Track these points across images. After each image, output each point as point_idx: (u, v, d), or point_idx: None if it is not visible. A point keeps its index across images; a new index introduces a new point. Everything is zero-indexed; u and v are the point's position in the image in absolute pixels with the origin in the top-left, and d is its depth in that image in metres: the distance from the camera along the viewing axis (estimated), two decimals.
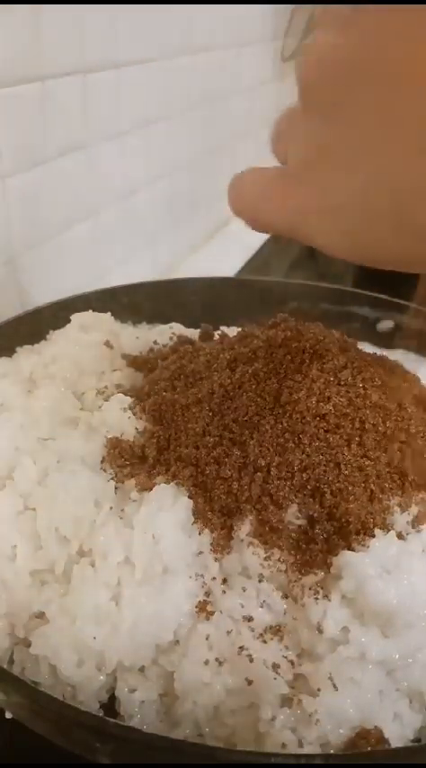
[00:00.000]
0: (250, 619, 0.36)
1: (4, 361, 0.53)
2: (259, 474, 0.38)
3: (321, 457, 0.39)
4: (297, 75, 0.27)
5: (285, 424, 0.40)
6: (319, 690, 0.33)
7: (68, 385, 0.49)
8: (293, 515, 0.38)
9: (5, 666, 0.36)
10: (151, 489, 0.39)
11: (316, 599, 0.35)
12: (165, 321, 0.60)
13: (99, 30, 0.71)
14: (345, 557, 0.36)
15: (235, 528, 0.38)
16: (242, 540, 0.38)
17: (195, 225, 1.10)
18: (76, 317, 0.57)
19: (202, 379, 0.45)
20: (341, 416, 0.40)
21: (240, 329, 0.51)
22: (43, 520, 0.38)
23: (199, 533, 0.38)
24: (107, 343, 0.54)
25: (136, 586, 0.36)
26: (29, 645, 0.35)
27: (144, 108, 0.85)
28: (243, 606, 0.36)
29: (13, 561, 0.37)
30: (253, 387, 0.42)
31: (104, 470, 0.41)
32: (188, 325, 0.58)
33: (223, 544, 0.38)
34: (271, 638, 0.35)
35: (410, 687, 0.35)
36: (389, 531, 0.37)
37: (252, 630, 0.36)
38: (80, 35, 0.68)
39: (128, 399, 0.46)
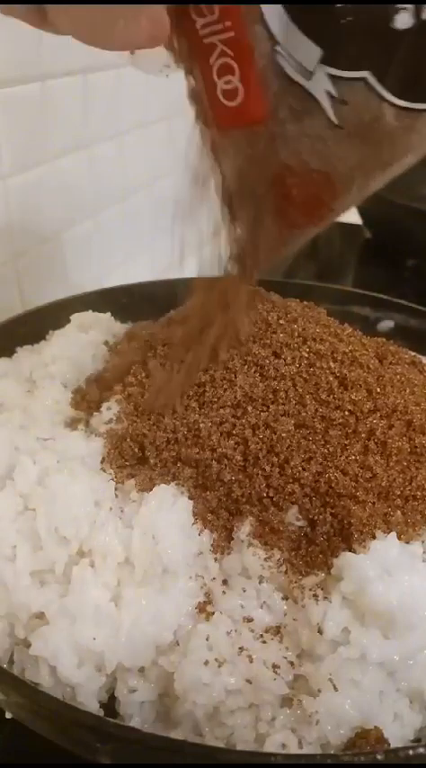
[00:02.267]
0: (250, 619, 0.36)
1: (4, 361, 0.53)
2: (260, 476, 0.38)
3: (323, 459, 0.39)
4: None
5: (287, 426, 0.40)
6: (319, 690, 0.33)
7: (68, 385, 0.49)
8: (293, 516, 0.38)
9: (5, 667, 0.36)
10: (151, 490, 0.39)
11: (317, 600, 0.35)
12: None
13: None
14: (346, 558, 0.36)
15: (235, 529, 0.38)
16: (242, 541, 0.38)
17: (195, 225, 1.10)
18: (76, 317, 0.57)
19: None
20: (345, 417, 0.40)
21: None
22: (43, 520, 0.38)
23: (199, 534, 0.38)
24: (107, 344, 0.54)
25: (136, 587, 0.36)
26: (29, 645, 0.35)
27: (144, 108, 0.85)
28: (243, 607, 0.36)
29: (13, 561, 0.37)
30: (253, 389, 0.42)
31: (104, 471, 0.41)
32: None
33: (223, 545, 0.38)
34: (271, 639, 0.35)
35: (410, 687, 0.35)
36: (390, 532, 0.37)
37: (252, 631, 0.35)
38: None
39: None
